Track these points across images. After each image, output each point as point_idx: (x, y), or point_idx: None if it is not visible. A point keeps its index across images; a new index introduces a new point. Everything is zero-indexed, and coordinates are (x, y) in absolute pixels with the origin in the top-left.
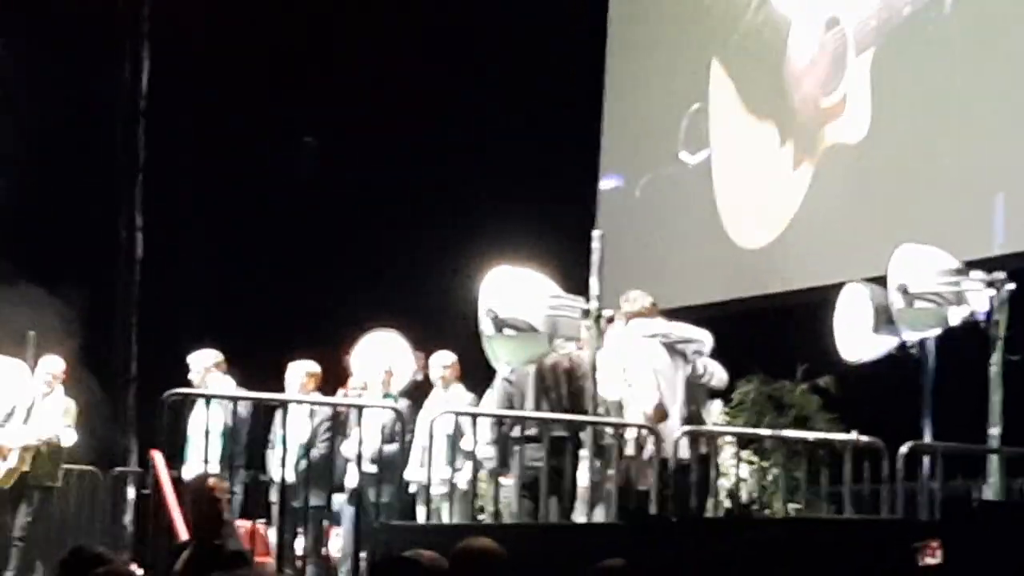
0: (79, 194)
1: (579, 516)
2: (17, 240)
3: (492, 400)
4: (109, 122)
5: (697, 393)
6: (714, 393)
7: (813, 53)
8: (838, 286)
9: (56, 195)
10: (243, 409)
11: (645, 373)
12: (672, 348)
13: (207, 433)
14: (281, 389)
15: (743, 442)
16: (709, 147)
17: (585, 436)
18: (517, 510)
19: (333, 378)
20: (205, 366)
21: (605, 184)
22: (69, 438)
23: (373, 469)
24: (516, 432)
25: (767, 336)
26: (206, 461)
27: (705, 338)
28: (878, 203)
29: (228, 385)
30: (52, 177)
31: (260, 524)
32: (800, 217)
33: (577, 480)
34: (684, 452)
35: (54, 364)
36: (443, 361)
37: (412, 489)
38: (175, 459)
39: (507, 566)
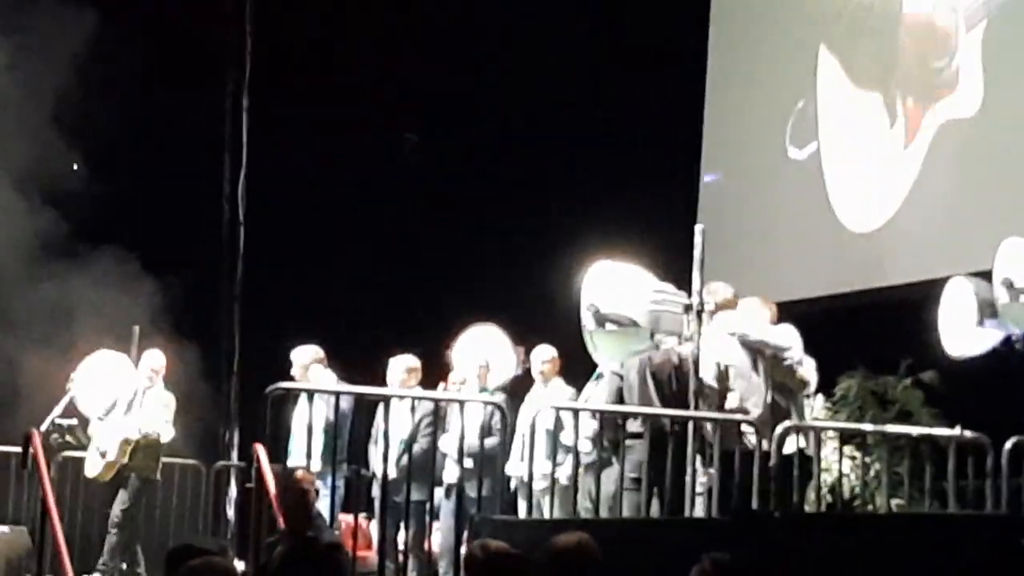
0: (183, 189)
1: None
2: (121, 235)
3: (600, 394)
4: (214, 117)
5: (786, 391)
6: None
7: (927, 22)
8: (942, 280)
9: (159, 190)
10: (345, 404)
11: (711, 366)
12: (749, 346)
13: (309, 428)
14: (382, 384)
15: (845, 437)
16: (817, 139)
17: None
18: (622, 505)
19: (435, 373)
20: (305, 362)
21: (707, 178)
22: (168, 433)
23: (473, 464)
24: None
25: (870, 331)
26: (308, 456)
27: (787, 343)
28: (988, 187)
29: (330, 380)
30: (156, 172)
31: (362, 519)
32: (911, 199)
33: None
34: (787, 448)
35: (155, 358)
36: (543, 355)
37: (512, 484)
38: (278, 453)
39: (605, 562)
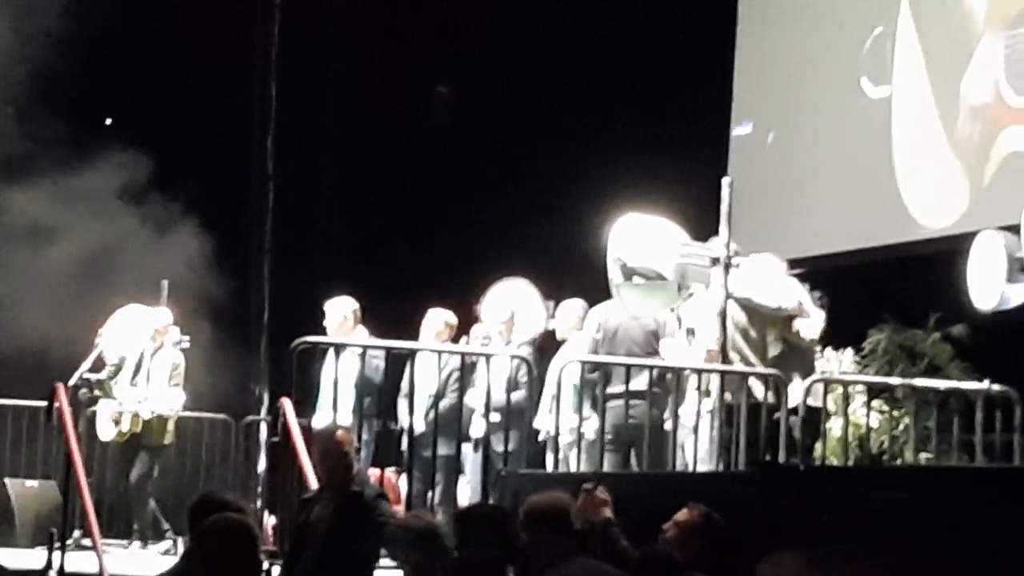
0: (212, 144)
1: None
2: (151, 191)
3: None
4: (242, 71)
5: (792, 346)
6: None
7: None
8: (972, 235)
9: (188, 145)
10: (374, 358)
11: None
12: (740, 303)
13: (335, 382)
14: (412, 338)
15: (874, 391)
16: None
17: (714, 387)
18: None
19: (465, 327)
20: (344, 313)
21: (737, 130)
22: (178, 399)
23: (500, 418)
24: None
25: (899, 285)
26: (335, 410)
27: (776, 300)
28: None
29: (361, 334)
30: (185, 127)
31: (391, 473)
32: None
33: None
34: (813, 401)
35: (161, 318)
36: (571, 309)
37: (541, 438)
38: (304, 407)
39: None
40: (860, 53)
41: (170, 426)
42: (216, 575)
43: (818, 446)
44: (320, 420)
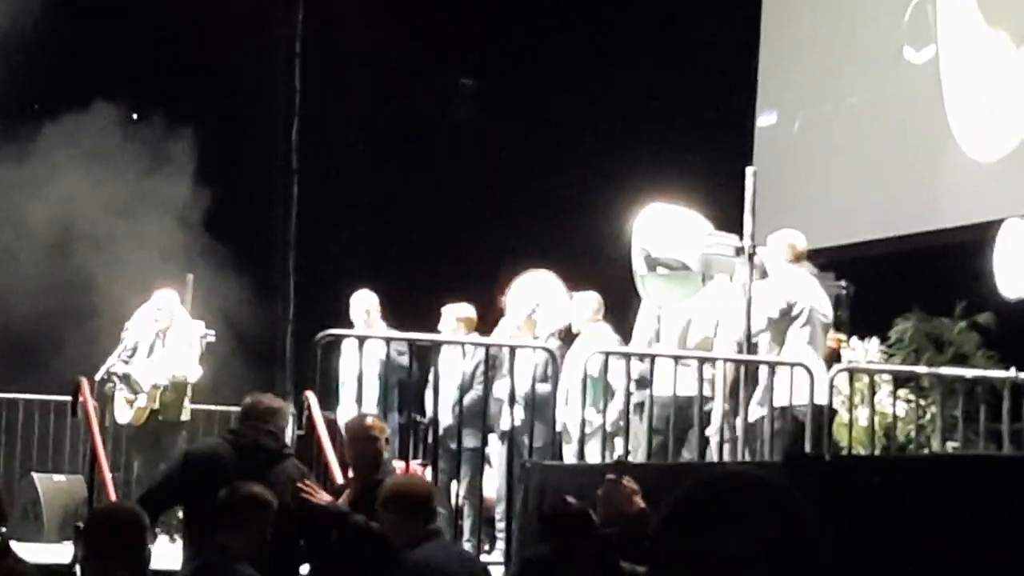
0: (237, 137)
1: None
2: (177, 184)
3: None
4: (266, 66)
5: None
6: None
7: None
8: (998, 223)
9: (214, 140)
10: (398, 351)
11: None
12: None
13: (359, 375)
14: (435, 331)
15: (900, 380)
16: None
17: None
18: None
19: (489, 320)
20: (366, 307)
21: (762, 120)
22: (195, 373)
23: (525, 410)
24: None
25: (925, 273)
26: (359, 402)
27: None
28: None
29: (382, 329)
30: (209, 121)
31: (417, 465)
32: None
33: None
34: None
35: (166, 298)
36: (585, 302)
37: (559, 429)
38: (328, 400)
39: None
40: (901, 22)
41: (187, 402)
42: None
43: (844, 436)
44: (345, 413)
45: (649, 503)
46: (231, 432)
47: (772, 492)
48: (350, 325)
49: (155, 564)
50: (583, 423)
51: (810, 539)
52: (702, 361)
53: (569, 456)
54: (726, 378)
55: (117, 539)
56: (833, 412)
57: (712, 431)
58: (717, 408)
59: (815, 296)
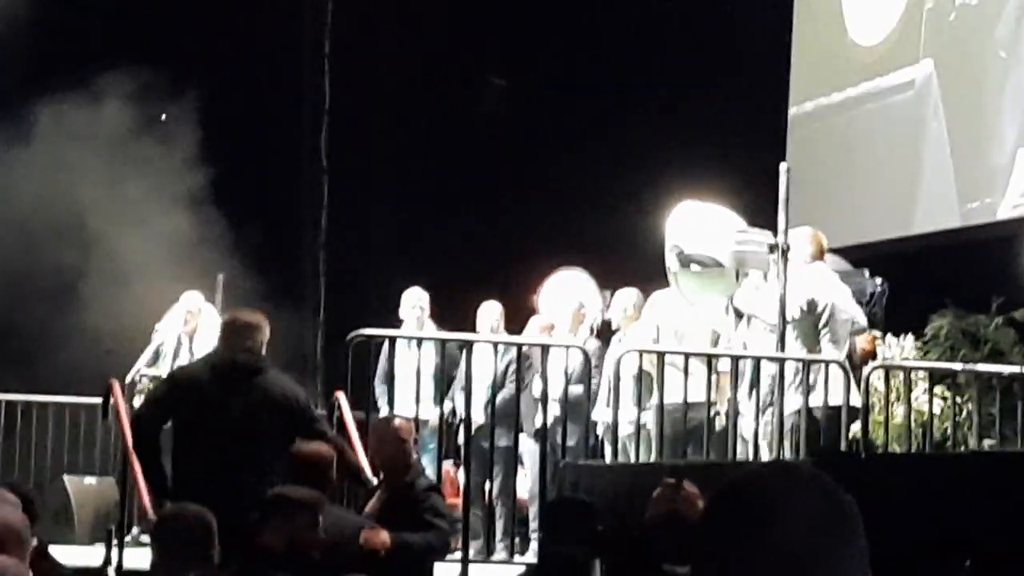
0: (266, 138)
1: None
2: (206, 185)
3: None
4: (295, 66)
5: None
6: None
7: None
8: None
9: (243, 140)
10: (430, 350)
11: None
12: None
13: (388, 376)
14: (466, 329)
15: (936, 377)
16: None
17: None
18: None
19: (520, 318)
20: (420, 304)
21: (794, 114)
22: None
23: (559, 409)
24: None
25: (961, 269)
26: (390, 403)
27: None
28: None
29: (431, 328)
30: (238, 122)
31: (449, 466)
32: None
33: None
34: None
35: (192, 300)
36: (625, 299)
37: (599, 430)
38: (359, 400)
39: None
40: None
41: None
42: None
43: (880, 433)
44: (383, 412)
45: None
46: (211, 352)
47: (816, 485)
48: (387, 324)
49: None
50: (615, 422)
51: (854, 533)
52: (736, 359)
53: (609, 456)
54: (740, 376)
55: (186, 539)
56: (854, 410)
57: (747, 430)
58: (746, 406)
59: (836, 293)
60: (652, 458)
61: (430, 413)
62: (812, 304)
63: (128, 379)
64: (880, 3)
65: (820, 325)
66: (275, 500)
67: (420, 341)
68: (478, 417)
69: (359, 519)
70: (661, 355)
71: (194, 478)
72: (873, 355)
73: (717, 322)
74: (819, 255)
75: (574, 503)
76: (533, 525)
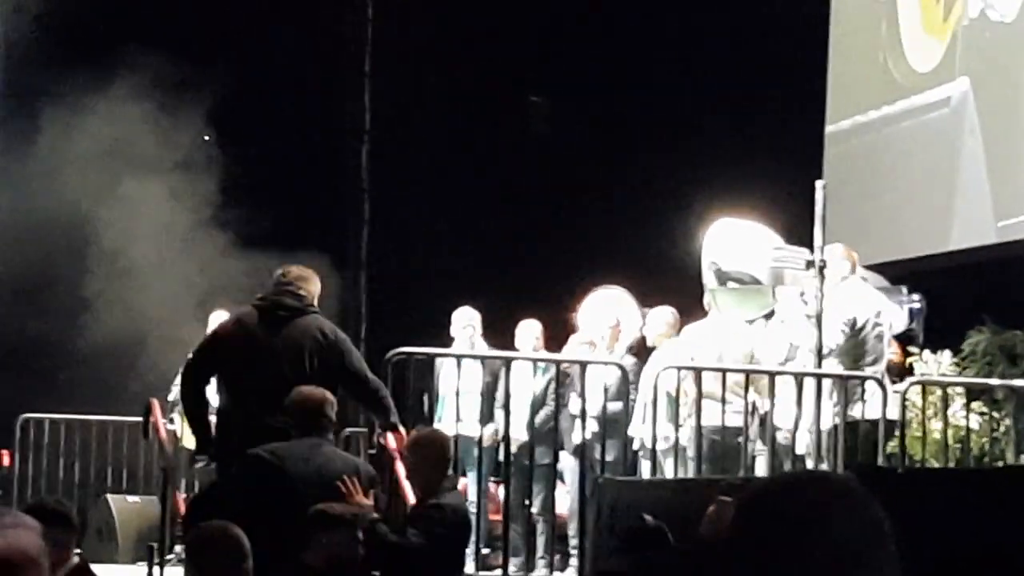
0: (305, 159)
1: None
2: (247, 205)
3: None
4: (335, 85)
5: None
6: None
7: None
8: None
9: (283, 161)
10: (473, 368)
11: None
12: None
13: (432, 392)
14: (506, 347)
15: (974, 393)
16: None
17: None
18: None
19: (560, 336)
20: (471, 323)
21: (831, 131)
22: None
23: (598, 426)
24: None
25: (998, 286)
26: (429, 419)
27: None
28: None
29: (482, 346)
30: (278, 141)
31: (491, 482)
32: None
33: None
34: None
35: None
36: (660, 317)
37: (636, 446)
38: (404, 417)
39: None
40: None
41: None
42: None
43: (918, 449)
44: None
45: None
46: (258, 296)
47: (849, 496)
48: (430, 342)
49: None
50: (654, 438)
51: (886, 543)
52: (772, 376)
53: (646, 472)
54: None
55: (220, 558)
56: (891, 424)
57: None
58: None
59: (875, 305)
60: (689, 474)
61: (474, 431)
62: (853, 324)
63: (171, 397)
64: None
65: (861, 341)
66: (315, 517)
67: (459, 359)
68: (518, 435)
69: (354, 462)
70: (699, 371)
71: (238, 420)
72: (904, 367)
73: (757, 347)
74: (852, 271)
75: (647, 529)
76: (573, 542)
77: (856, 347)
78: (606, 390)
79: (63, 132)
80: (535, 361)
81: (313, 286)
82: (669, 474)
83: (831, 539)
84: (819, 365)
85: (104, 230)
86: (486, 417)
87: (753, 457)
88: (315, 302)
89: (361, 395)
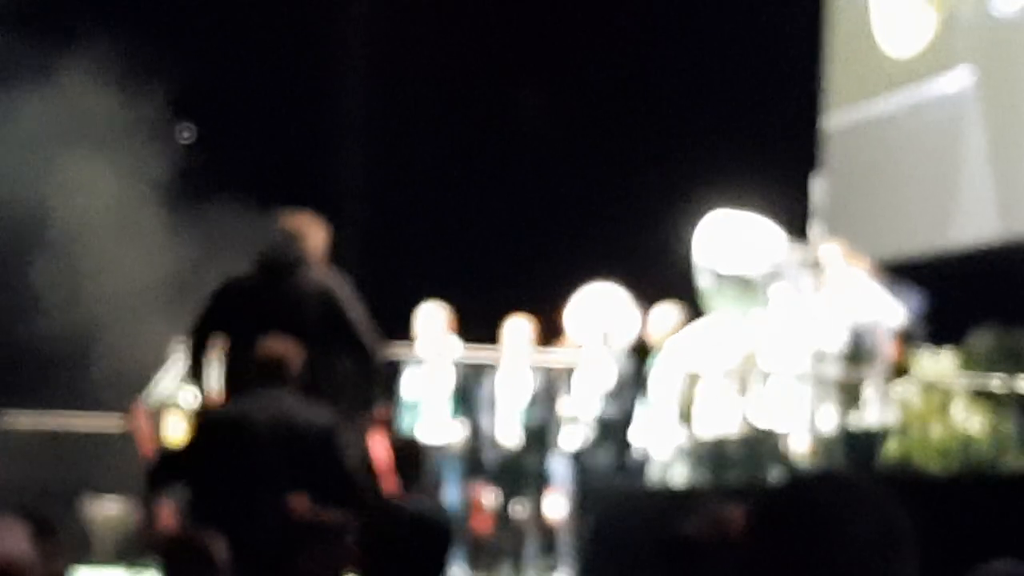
0: (300, 153)
1: None
2: (236, 204)
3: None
4: (330, 76)
5: None
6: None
7: None
8: None
9: (276, 158)
10: (459, 369)
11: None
12: None
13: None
14: (494, 346)
15: (976, 395)
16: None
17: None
18: None
19: (550, 333)
20: (436, 320)
21: (833, 123)
22: None
23: (592, 431)
24: None
25: (1001, 284)
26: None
27: None
28: None
29: (454, 343)
30: (245, 127)
31: (479, 487)
32: None
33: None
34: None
35: None
36: (665, 315)
37: (637, 452)
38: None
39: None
40: None
41: None
42: None
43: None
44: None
45: None
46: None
47: (869, 497)
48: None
49: None
50: (651, 442)
51: (904, 543)
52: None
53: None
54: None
55: (194, 565)
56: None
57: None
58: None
59: (873, 302)
60: (693, 480)
61: (449, 434)
62: (852, 323)
63: (152, 399)
64: (916, 15)
65: (859, 341)
66: (300, 528)
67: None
68: (508, 439)
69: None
70: (697, 375)
71: (240, 374)
72: (904, 367)
73: (758, 348)
74: (851, 268)
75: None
76: (564, 549)
77: (855, 348)
78: (600, 393)
79: (9, 111)
80: (528, 363)
81: (313, 237)
82: (672, 480)
83: (850, 540)
84: (817, 367)
85: (54, 215)
86: (461, 421)
87: (756, 462)
88: (319, 253)
89: (353, 361)
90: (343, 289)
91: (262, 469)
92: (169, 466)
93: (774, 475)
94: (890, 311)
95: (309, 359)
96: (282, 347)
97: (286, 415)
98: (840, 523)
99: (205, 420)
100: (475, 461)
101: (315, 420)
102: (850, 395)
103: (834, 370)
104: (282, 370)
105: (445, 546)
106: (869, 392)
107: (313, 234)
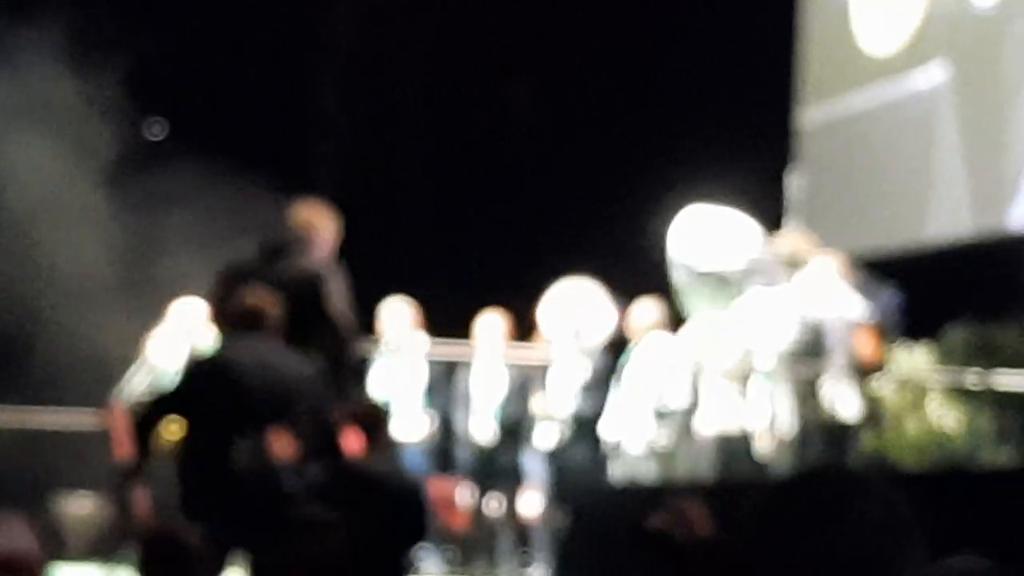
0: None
1: None
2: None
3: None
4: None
5: None
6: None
7: None
8: None
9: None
10: (430, 364)
11: None
12: None
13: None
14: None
15: (950, 390)
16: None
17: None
18: None
19: (525, 331)
20: (402, 316)
21: (807, 116)
22: None
23: (567, 427)
24: None
25: (975, 280)
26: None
27: None
28: None
29: (420, 338)
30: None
31: (452, 483)
32: None
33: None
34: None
35: (195, 306)
36: (644, 311)
37: (609, 447)
38: None
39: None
40: None
41: None
42: None
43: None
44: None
45: None
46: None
47: (873, 490)
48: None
49: None
50: (626, 438)
51: (913, 538)
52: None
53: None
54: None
55: (168, 562)
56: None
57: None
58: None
59: (837, 297)
60: (663, 475)
61: (417, 429)
62: (816, 319)
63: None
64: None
65: (824, 336)
66: (298, 526)
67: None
68: (483, 435)
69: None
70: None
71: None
72: (879, 363)
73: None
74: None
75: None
76: (538, 544)
77: (813, 343)
78: (575, 389)
79: None
80: (503, 359)
81: (323, 228)
82: (646, 477)
83: (853, 534)
84: (785, 363)
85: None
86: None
87: (731, 459)
88: (327, 244)
89: (326, 350)
90: (334, 280)
91: (247, 408)
92: (159, 407)
93: (745, 474)
94: (852, 306)
95: (286, 341)
96: (260, 298)
97: (270, 356)
98: (845, 517)
99: (192, 363)
100: (448, 457)
101: (294, 364)
102: (811, 391)
103: (794, 366)
104: (260, 319)
105: (420, 502)
106: (829, 388)
107: (323, 225)
